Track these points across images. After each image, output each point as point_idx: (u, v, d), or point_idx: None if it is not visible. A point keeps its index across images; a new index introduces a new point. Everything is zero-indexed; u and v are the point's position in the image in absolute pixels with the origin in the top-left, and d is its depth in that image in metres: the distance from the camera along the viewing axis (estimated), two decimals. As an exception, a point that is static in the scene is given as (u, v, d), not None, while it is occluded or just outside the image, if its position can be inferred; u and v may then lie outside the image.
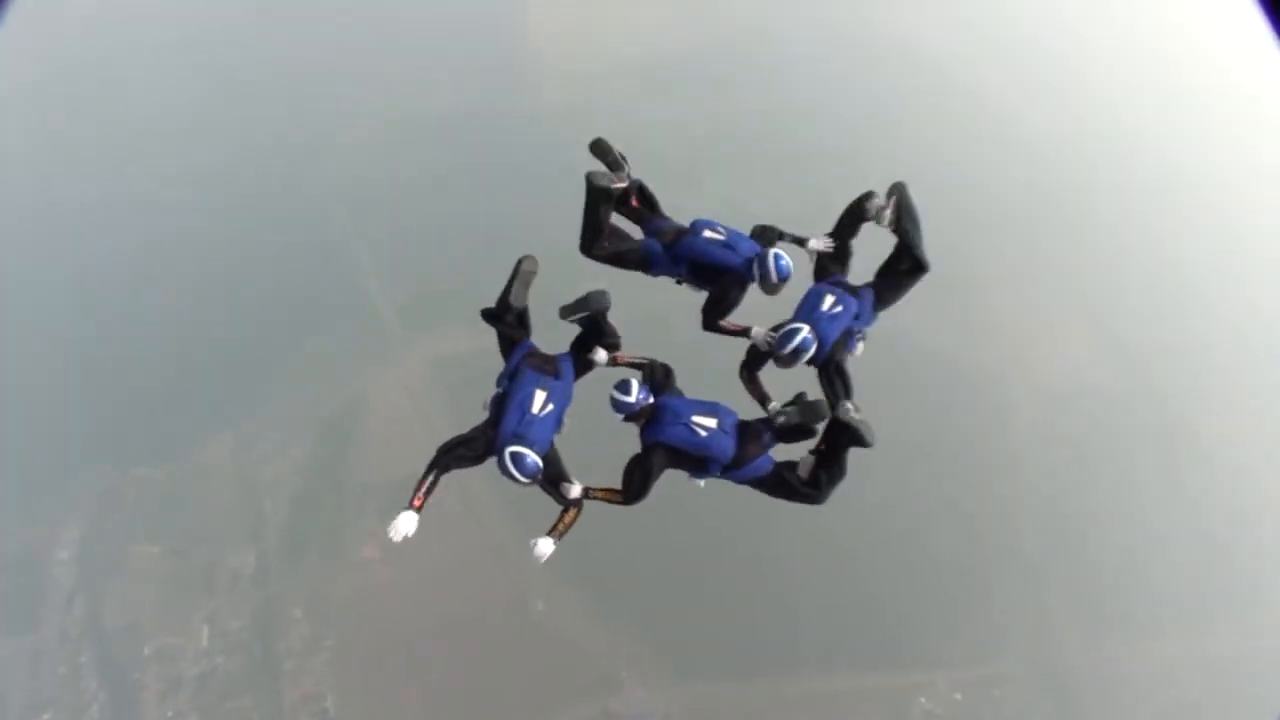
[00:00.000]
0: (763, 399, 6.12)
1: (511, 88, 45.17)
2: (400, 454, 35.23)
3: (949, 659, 32.40)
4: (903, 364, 32.80)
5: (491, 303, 6.18)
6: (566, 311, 5.94)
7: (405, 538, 5.17)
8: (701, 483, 5.84)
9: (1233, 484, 36.06)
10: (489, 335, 6.30)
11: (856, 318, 5.98)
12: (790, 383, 6.12)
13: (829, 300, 5.90)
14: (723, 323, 6.15)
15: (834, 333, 5.81)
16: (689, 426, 5.52)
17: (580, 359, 6.02)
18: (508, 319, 5.94)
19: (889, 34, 48.06)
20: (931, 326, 34.54)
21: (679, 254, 6.17)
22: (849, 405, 5.60)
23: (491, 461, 5.50)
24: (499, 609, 31.79)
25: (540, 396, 5.50)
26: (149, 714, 34.25)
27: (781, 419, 5.63)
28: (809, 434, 5.68)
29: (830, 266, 6.33)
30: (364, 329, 37.78)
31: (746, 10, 49.86)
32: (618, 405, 5.61)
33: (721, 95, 43.60)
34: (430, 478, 5.34)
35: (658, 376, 5.93)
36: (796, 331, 5.71)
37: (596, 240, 6.17)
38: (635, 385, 5.60)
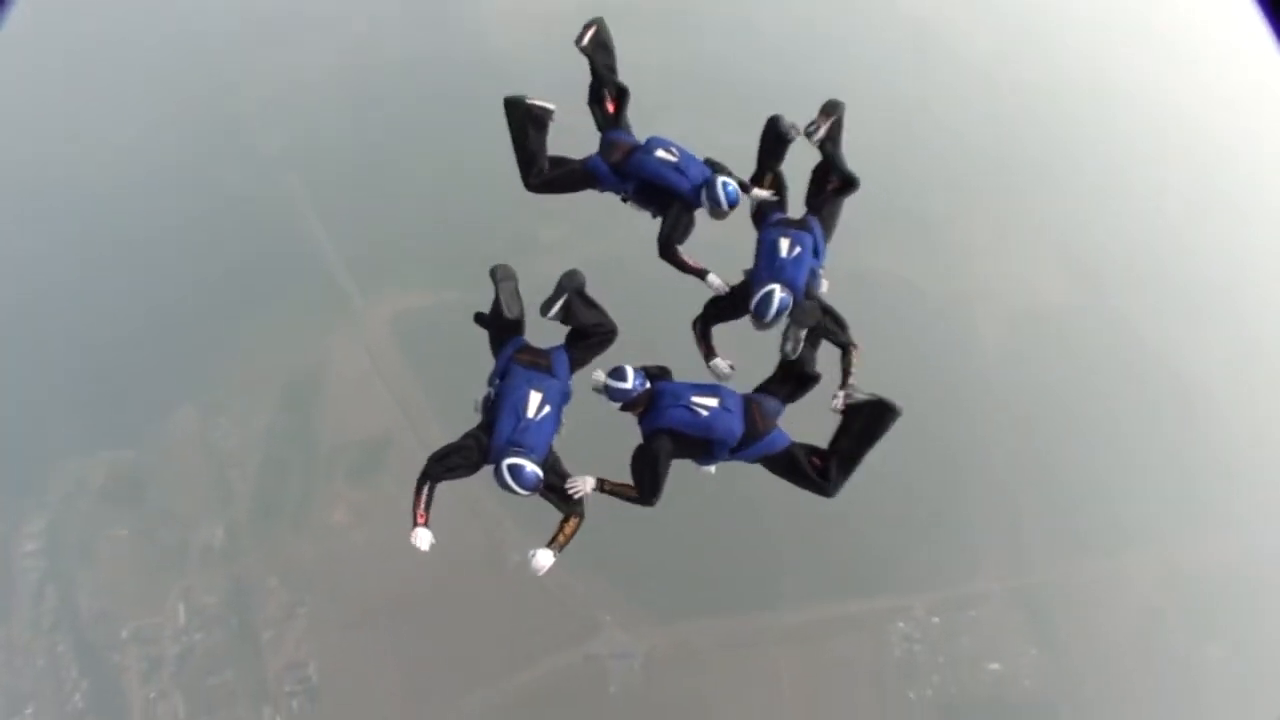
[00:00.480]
0: (708, 354, 5.96)
1: (457, 32, 43.87)
2: (365, 414, 35.01)
3: (924, 583, 32.94)
4: (871, 293, 32.80)
5: (461, 272, 6.00)
6: (546, 308, 5.51)
7: (431, 546, 5.10)
8: (712, 469, 5.62)
9: (1193, 400, 36.63)
10: (448, 289, 6.17)
11: (815, 254, 5.77)
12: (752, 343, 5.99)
13: (784, 244, 5.65)
14: (681, 254, 5.90)
15: (802, 277, 5.59)
16: (689, 408, 5.24)
17: (578, 351, 5.57)
18: (503, 325, 5.59)
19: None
20: (899, 256, 34.62)
21: (628, 171, 5.99)
22: (852, 387, 5.59)
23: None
24: (474, 564, 31.70)
25: (535, 398, 5.13)
26: (133, 697, 34.03)
27: (788, 346, 5.49)
28: (810, 376, 5.62)
29: (765, 207, 6.11)
30: (320, 291, 37.05)
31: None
32: (612, 393, 5.31)
33: (679, 36, 42.72)
34: (425, 490, 5.12)
35: (652, 368, 5.64)
36: (771, 295, 5.46)
37: (531, 168, 5.99)
38: (630, 371, 5.30)
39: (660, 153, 5.95)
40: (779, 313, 5.45)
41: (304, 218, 38.64)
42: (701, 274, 5.96)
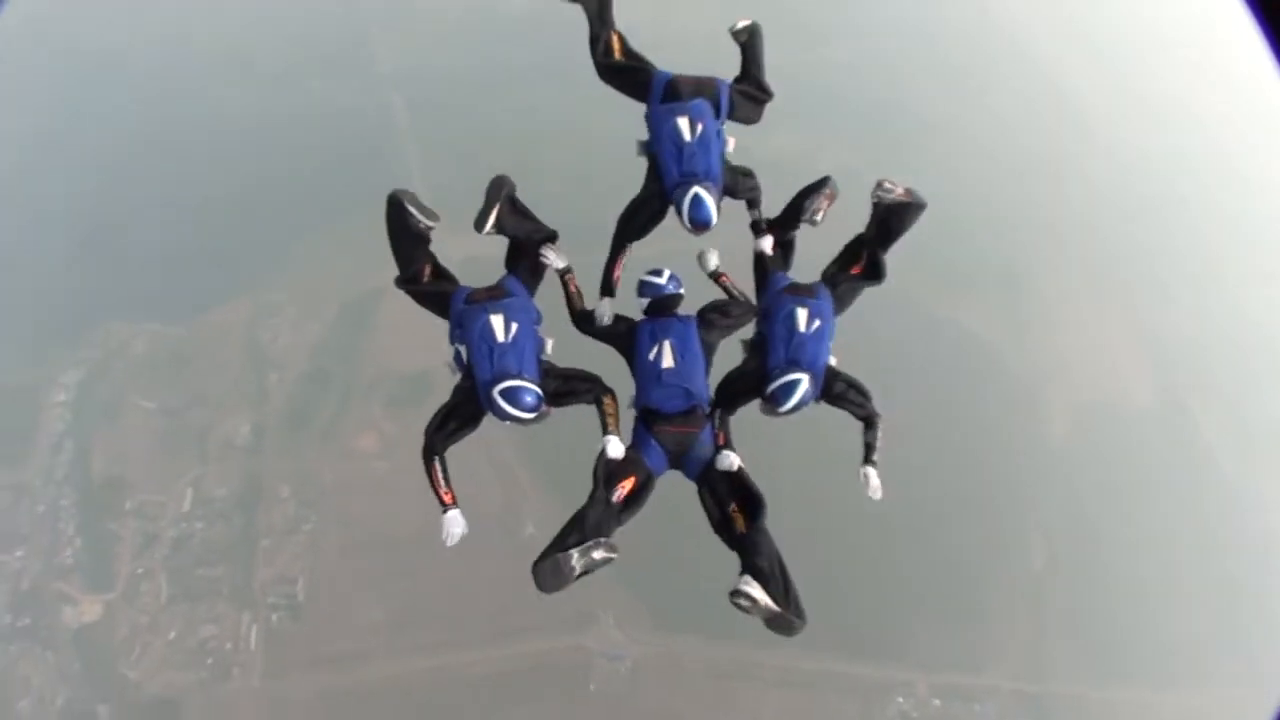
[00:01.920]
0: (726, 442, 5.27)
1: None
2: (416, 347, 34.24)
3: (934, 662, 31.37)
4: (945, 349, 31.50)
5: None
6: (480, 222, 5.23)
7: (464, 533, 5.01)
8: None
9: (1257, 528, 34.51)
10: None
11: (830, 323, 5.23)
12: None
13: (803, 317, 5.02)
14: (616, 258, 5.44)
15: (824, 357, 5.04)
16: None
17: (525, 266, 5.33)
18: (418, 273, 5.25)
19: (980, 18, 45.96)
20: (981, 316, 33.20)
21: (653, 117, 5.45)
22: (730, 456, 4.90)
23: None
24: (489, 525, 30.85)
25: (498, 321, 4.80)
26: (121, 566, 33.93)
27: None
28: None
29: (771, 264, 5.60)
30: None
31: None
32: (647, 287, 5.26)
33: (793, 39, 41.66)
34: (437, 465, 5.00)
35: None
36: (794, 386, 4.85)
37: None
38: (668, 272, 5.30)
39: (680, 121, 5.22)
40: (799, 406, 4.88)
41: (402, 144, 38.51)
42: (605, 287, 5.45)
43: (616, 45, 5.76)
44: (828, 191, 5.68)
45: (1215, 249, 41.42)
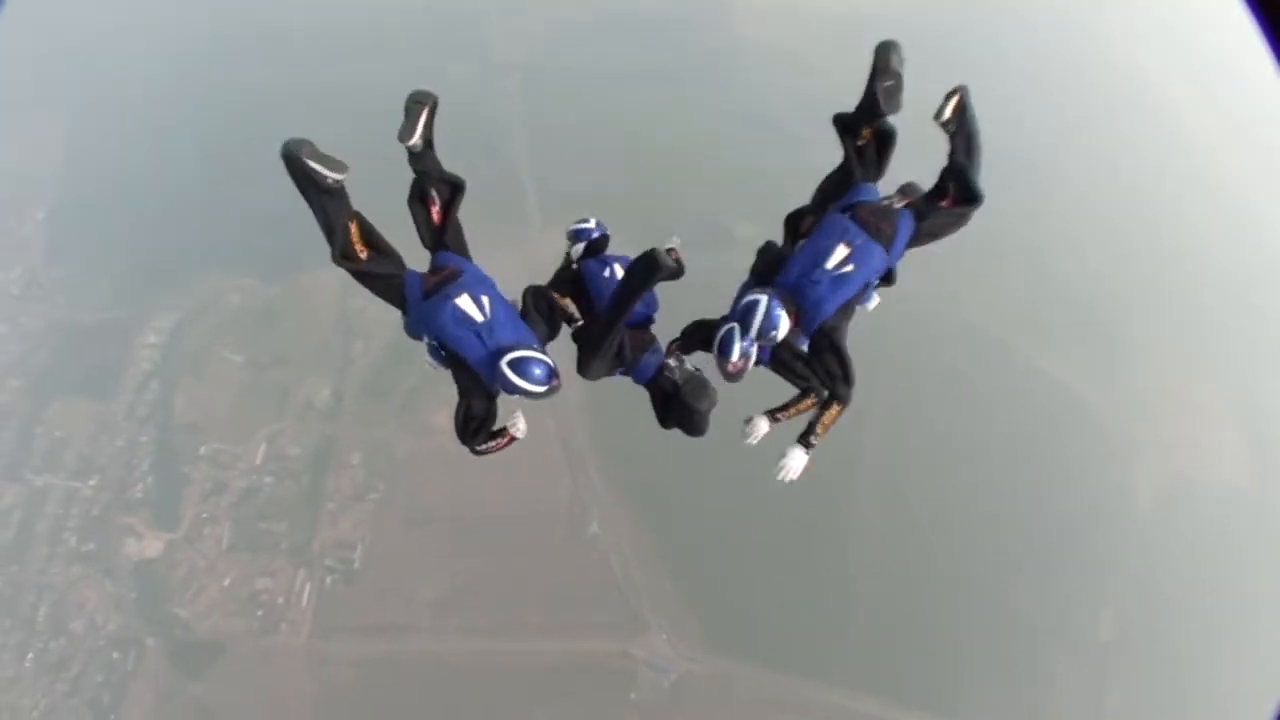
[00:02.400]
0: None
1: (723, 7, 44.12)
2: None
3: (987, 721, 30.41)
4: (1033, 394, 30.85)
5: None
6: (406, 132, 4.81)
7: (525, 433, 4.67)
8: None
9: None
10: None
11: (876, 271, 4.44)
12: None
13: (838, 254, 4.29)
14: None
15: (830, 307, 4.28)
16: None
17: (444, 226, 4.92)
18: (349, 246, 4.81)
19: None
20: (1079, 373, 32.40)
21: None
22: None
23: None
24: (553, 518, 31.14)
25: (468, 302, 4.49)
26: (187, 509, 34.89)
27: (670, 376, 4.66)
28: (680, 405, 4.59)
29: (858, 170, 4.70)
30: (505, 207, 37.37)
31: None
32: (581, 234, 5.25)
33: (925, 66, 41.58)
34: (485, 446, 4.73)
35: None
36: (755, 305, 4.23)
37: (332, 239, 4.88)
38: (594, 219, 5.37)
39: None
40: (763, 331, 4.19)
41: (514, 135, 39.37)
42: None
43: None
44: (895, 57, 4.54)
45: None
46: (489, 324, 4.43)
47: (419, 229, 4.98)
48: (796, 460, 4.40)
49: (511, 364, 4.26)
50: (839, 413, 4.36)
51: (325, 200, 4.61)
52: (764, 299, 4.18)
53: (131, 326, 38.78)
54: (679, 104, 38.25)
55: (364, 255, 4.78)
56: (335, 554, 33.08)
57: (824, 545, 29.41)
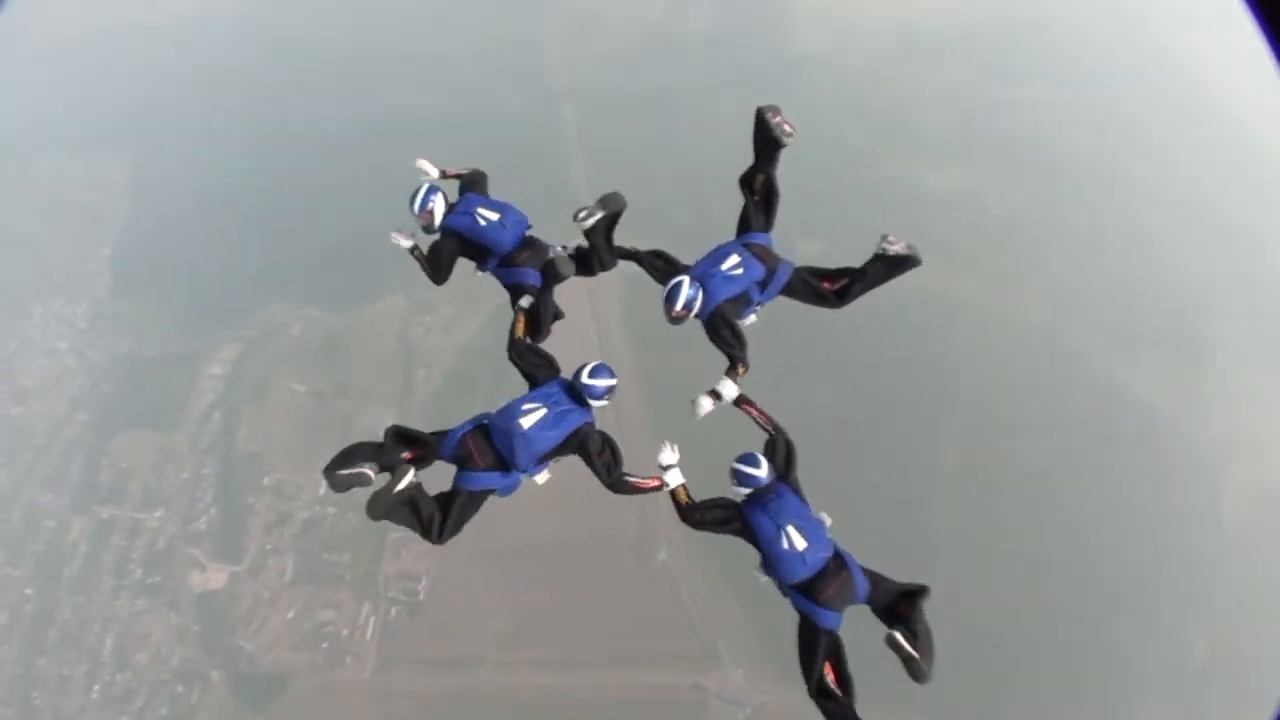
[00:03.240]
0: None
1: (770, 23, 44.47)
2: (568, 360, 34.93)
3: (1074, 759, 29.04)
4: (1116, 416, 29.90)
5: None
6: (585, 216, 6.06)
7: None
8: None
9: None
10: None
11: (761, 287, 5.68)
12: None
13: (731, 260, 5.65)
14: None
15: (722, 296, 5.55)
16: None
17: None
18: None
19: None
20: (1157, 384, 31.33)
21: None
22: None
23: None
24: (621, 546, 30.69)
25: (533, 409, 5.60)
26: (251, 540, 34.98)
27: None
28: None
29: (755, 219, 5.94)
30: (559, 229, 37.63)
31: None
32: (746, 479, 5.37)
33: (984, 77, 41.28)
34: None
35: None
36: (679, 286, 5.54)
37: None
38: (764, 461, 5.42)
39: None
40: (683, 306, 5.49)
41: (567, 155, 39.73)
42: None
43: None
44: (771, 111, 5.86)
45: None
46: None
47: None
48: (706, 405, 5.57)
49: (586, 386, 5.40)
50: (743, 372, 5.50)
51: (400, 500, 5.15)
52: (685, 279, 5.50)
53: (196, 358, 39.45)
54: (738, 122, 38.35)
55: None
56: (400, 586, 32.87)
57: (904, 570, 28.44)
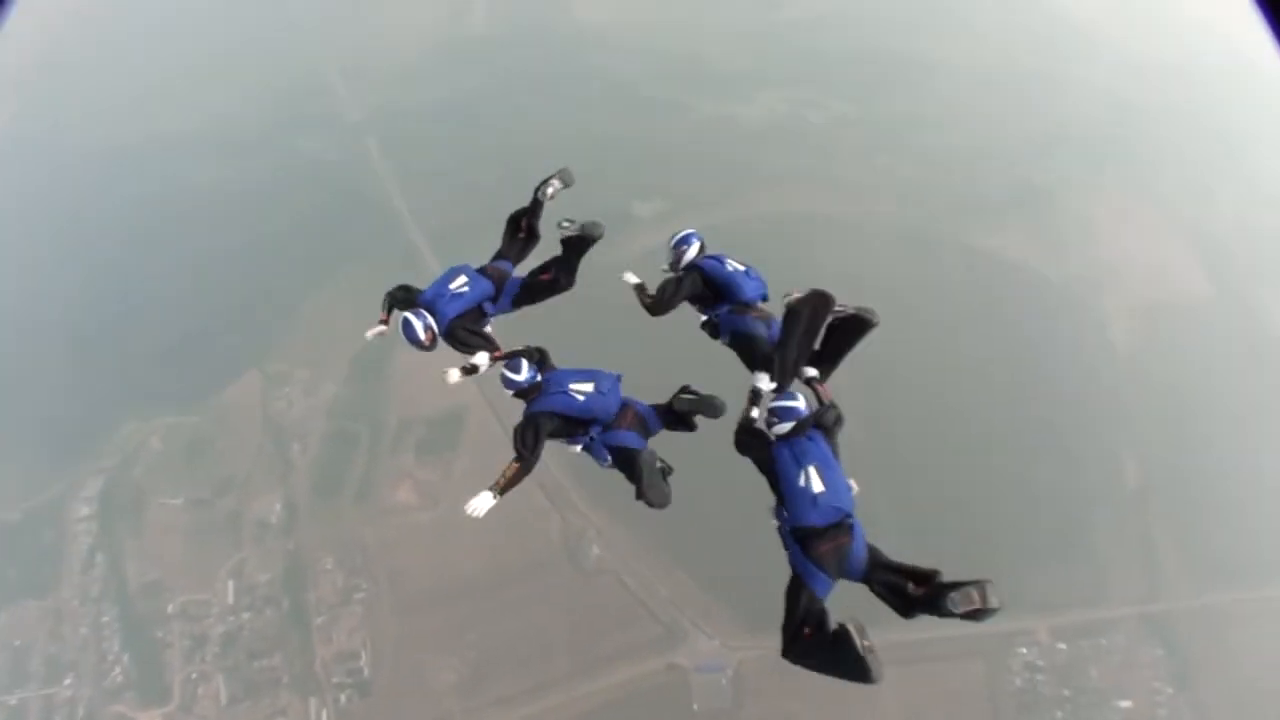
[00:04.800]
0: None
1: (543, 5, 42.63)
2: (436, 390, 32.72)
3: (1050, 604, 28.97)
4: (988, 278, 29.51)
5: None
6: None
7: None
8: (577, 449, 5.73)
9: None
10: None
11: (485, 295, 6.29)
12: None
13: (459, 281, 6.26)
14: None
15: (455, 308, 6.19)
16: (568, 394, 5.57)
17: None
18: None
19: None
20: (1019, 239, 31.21)
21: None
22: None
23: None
24: (550, 555, 28.98)
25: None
26: (174, 675, 32.04)
27: (683, 402, 5.55)
28: (691, 426, 5.63)
29: (508, 250, 6.67)
30: (394, 260, 35.29)
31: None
32: (508, 383, 5.67)
33: (761, 6, 40.65)
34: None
35: (536, 357, 5.97)
36: (411, 316, 6.14)
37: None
38: (525, 364, 5.67)
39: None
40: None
41: (384, 187, 37.33)
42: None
43: None
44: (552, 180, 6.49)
45: (1236, 147, 39.47)
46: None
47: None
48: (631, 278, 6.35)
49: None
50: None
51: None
52: (412, 314, 6.05)
53: (59, 506, 35.79)
54: (544, 112, 36.56)
55: None
56: (341, 668, 30.52)
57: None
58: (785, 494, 4.92)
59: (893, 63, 38.94)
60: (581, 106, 37.39)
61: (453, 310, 6.04)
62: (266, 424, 33.89)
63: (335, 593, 31.13)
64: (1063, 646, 28.90)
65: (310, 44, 43.23)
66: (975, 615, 4.48)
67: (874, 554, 4.86)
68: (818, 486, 4.81)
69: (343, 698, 30.21)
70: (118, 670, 32.60)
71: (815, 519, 4.74)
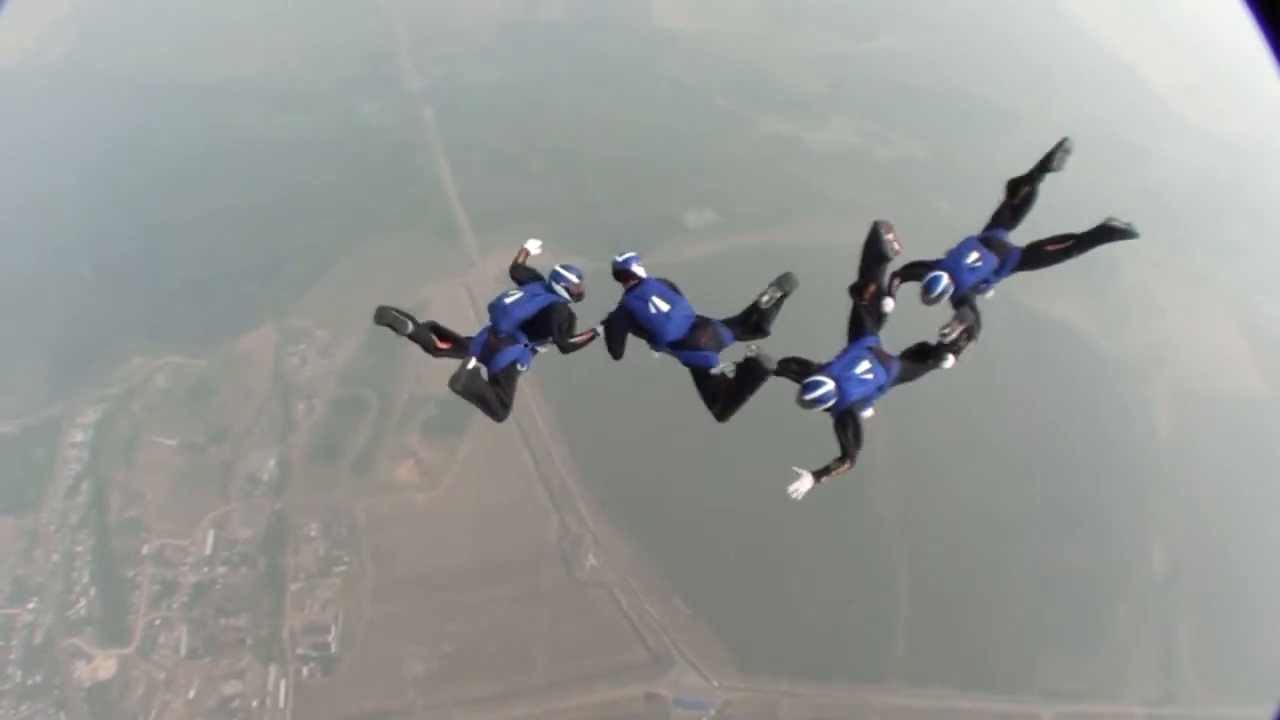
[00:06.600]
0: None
1: (625, 3, 42.16)
2: (452, 369, 31.73)
3: (1059, 690, 27.18)
4: (1040, 342, 28.09)
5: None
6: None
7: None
8: (656, 355, 6.16)
9: None
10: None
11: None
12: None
13: (864, 365, 6.07)
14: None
15: (971, 280, 6.43)
16: (647, 302, 6.07)
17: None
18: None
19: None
20: (1077, 305, 29.78)
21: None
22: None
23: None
24: (544, 559, 27.62)
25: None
26: (138, 618, 31.04)
27: (764, 298, 5.98)
28: (760, 329, 6.04)
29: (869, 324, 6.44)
30: (436, 235, 34.62)
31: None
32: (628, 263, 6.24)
33: (849, 33, 39.87)
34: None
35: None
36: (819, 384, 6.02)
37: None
38: (632, 254, 6.19)
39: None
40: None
41: (432, 159, 36.74)
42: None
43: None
44: (885, 227, 6.32)
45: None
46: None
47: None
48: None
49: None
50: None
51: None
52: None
53: (55, 427, 35.09)
54: (605, 107, 35.89)
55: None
56: (308, 640, 29.28)
57: (847, 538, 26.27)
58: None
59: (972, 107, 37.98)
60: (645, 107, 36.75)
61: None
62: (276, 379, 33.01)
63: (315, 561, 29.98)
64: (1066, 737, 27.05)
65: (383, 5, 42.95)
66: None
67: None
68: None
69: (304, 671, 28.96)
70: (83, 603, 31.67)
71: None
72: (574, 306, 6.09)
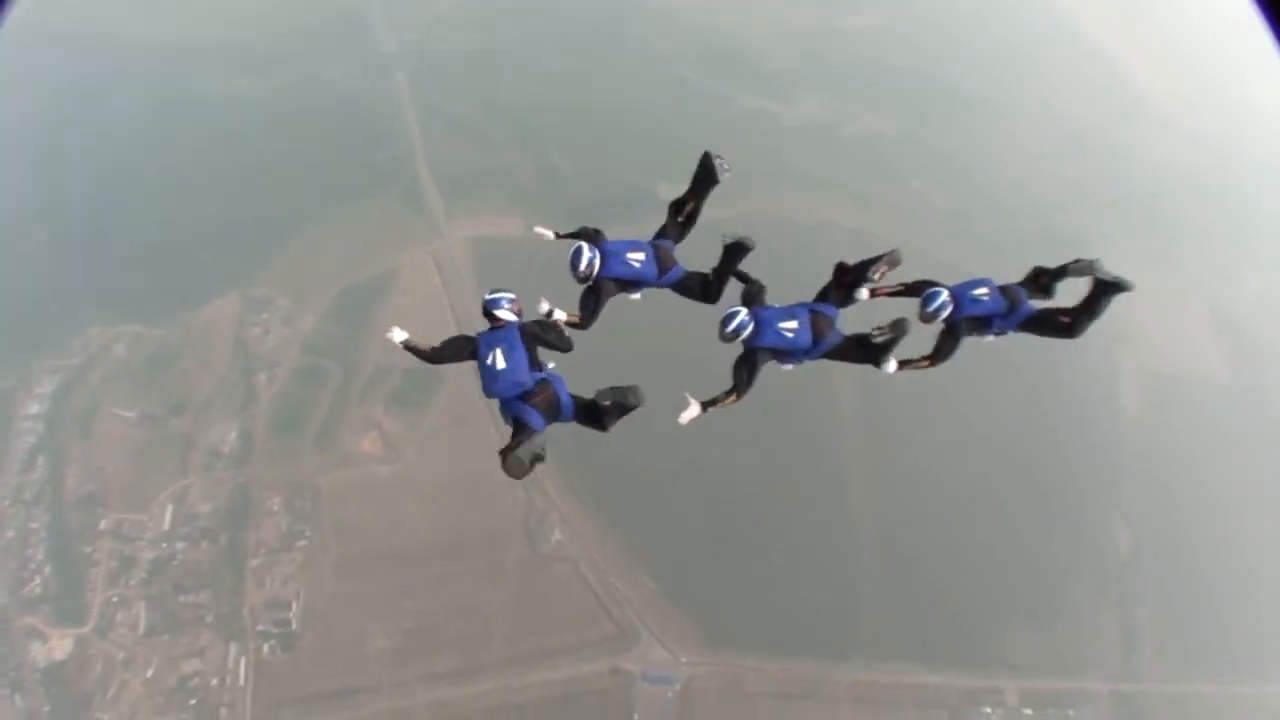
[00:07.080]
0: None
1: None
2: (423, 338, 31.10)
3: (1022, 666, 27.42)
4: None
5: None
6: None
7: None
8: (788, 367, 6.40)
9: None
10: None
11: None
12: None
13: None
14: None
15: (616, 274, 6.34)
16: (778, 332, 6.20)
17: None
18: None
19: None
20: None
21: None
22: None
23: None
24: (508, 534, 27.21)
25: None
26: (94, 595, 30.22)
27: (877, 336, 6.18)
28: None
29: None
30: (398, 199, 33.67)
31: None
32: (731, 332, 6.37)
33: (827, 7, 39.38)
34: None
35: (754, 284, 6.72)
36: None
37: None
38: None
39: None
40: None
41: (402, 124, 35.80)
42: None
43: None
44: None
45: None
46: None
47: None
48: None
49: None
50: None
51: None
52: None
53: (9, 399, 33.93)
54: (573, 78, 35.15)
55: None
56: (268, 617, 28.72)
57: (812, 512, 26.18)
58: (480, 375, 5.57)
59: (943, 89, 37.82)
60: (616, 76, 36.06)
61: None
62: (237, 349, 32.15)
63: (277, 536, 29.34)
64: (1029, 712, 27.30)
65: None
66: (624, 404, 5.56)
67: (579, 400, 5.66)
68: (501, 364, 5.47)
69: (265, 648, 28.41)
70: (37, 580, 30.79)
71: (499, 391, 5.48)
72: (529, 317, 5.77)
